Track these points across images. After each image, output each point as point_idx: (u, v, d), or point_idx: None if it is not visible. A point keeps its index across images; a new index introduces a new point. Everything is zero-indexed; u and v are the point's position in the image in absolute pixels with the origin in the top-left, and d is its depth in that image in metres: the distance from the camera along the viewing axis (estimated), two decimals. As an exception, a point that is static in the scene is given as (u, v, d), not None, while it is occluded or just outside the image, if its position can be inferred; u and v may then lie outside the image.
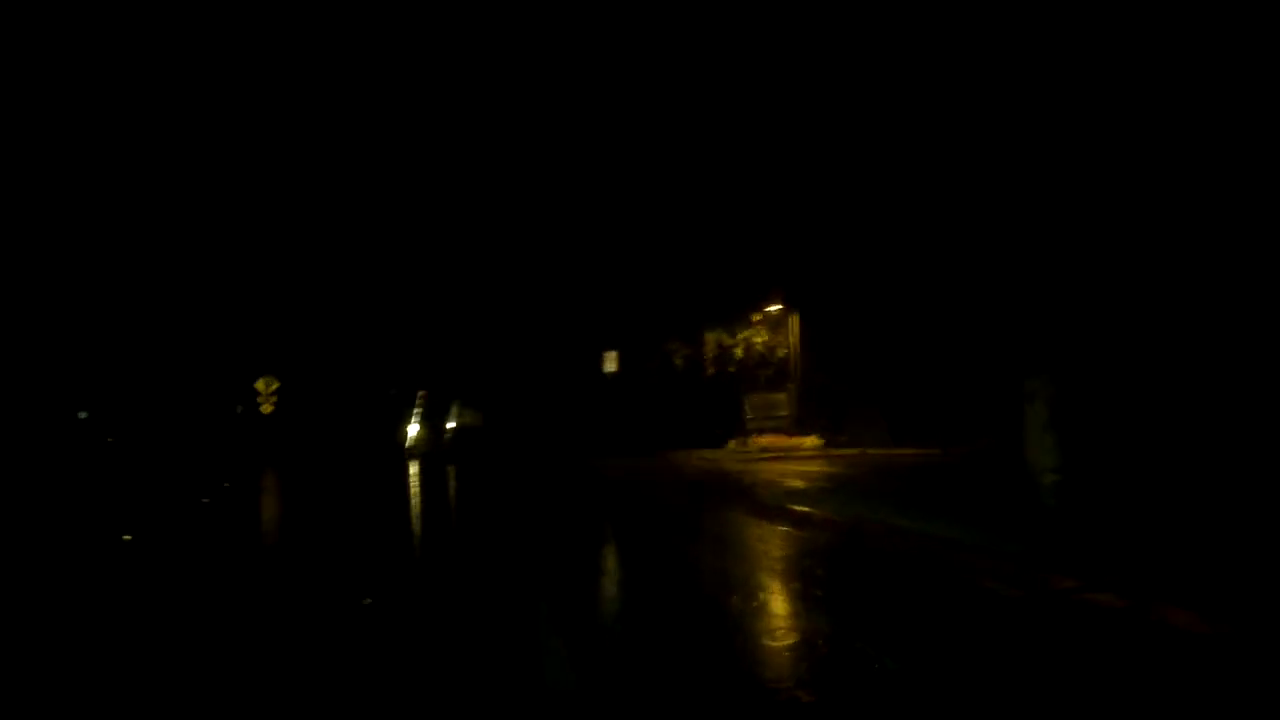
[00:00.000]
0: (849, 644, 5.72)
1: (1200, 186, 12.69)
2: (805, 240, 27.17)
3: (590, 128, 30.02)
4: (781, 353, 29.37)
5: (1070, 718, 4.71)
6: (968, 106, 20.60)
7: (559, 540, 11.16)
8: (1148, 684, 5.16)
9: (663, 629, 6.31)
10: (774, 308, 29.08)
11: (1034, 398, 13.29)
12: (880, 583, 8.18)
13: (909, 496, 12.98)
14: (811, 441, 26.77)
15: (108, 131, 35.76)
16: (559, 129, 31.15)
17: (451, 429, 53.48)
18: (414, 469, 26.67)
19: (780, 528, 11.64)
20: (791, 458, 24.45)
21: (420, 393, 56.11)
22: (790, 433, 27.37)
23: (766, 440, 26.71)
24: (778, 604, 7.18)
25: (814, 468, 20.79)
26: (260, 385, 37.33)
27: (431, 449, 43.27)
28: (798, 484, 16.87)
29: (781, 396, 28.44)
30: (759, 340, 29.76)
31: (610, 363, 25.80)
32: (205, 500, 16.03)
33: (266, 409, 37.05)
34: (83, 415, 46.59)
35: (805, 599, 7.25)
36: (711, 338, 30.07)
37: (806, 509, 12.45)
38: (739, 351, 29.96)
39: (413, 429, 55.43)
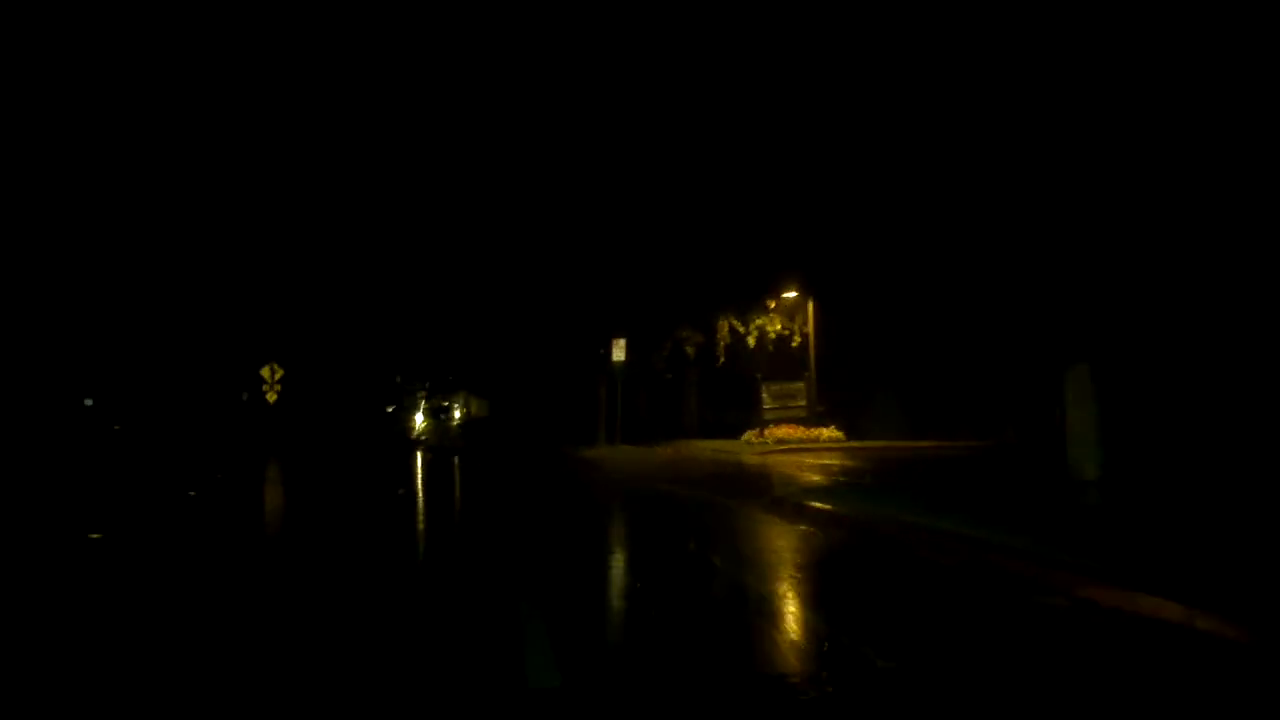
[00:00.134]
0: (881, 669, 4.80)
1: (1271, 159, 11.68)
2: (823, 223, 26.14)
3: (598, 106, 29.07)
4: (797, 341, 28.39)
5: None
6: (995, 83, 19.58)
7: (560, 541, 10.27)
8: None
9: (662, 645, 5.43)
10: (790, 294, 28.09)
11: (1073, 389, 12.36)
12: (915, 594, 7.25)
13: (940, 494, 12.04)
14: (829, 433, 25.87)
15: (115, 122, 35.10)
16: (566, 109, 30.23)
17: (458, 419, 52.98)
18: (418, 461, 25.91)
19: (801, 528, 10.74)
20: (810, 450, 23.58)
21: (426, 382, 55.63)
22: (807, 424, 26.47)
23: (783, 431, 25.81)
24: (797, 617, 6.27)
25: (835, 461, 19.91)
26: (265, 373, 36.72)
27: (437, 439, 42.65)
28: (818, 479, 15.99)
29: (799, 386, 27.51)
30: (773, 327, 28.79)
31: (619, 351, 24.85)
32: (191, 494, 15.21)
33: (271, 397, 36.45)
34: (88, 402, 46.18)
35: (830, 612, 6.34)
36: (724, 324, 29.12)
37: (830, 507, 11.53)
38: (752, 339, 29.01)
39: (418, 419, 54.98)
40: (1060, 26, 16.73)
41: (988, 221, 19.79)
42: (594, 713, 4.41)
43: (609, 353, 25.93)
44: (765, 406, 27.41)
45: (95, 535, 9.70)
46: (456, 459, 26.77)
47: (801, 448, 24.04)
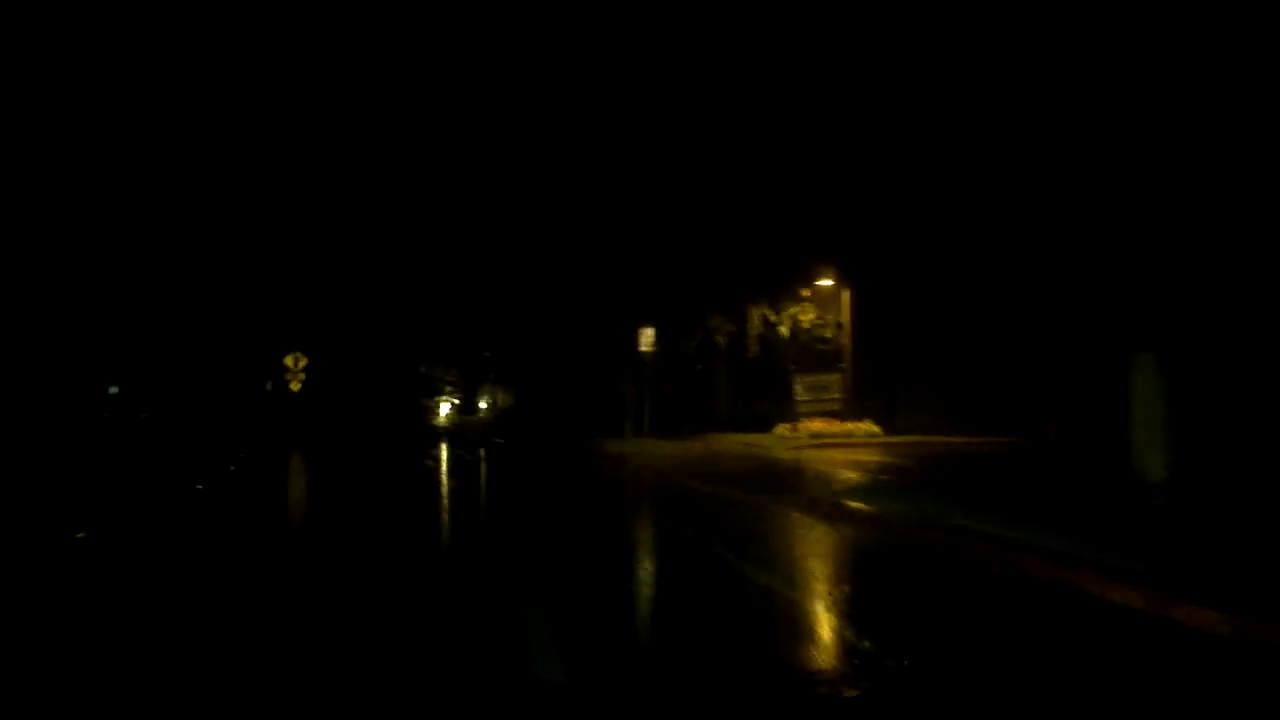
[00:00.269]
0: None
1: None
2: (860, 209, 25.08)
3: (628, 88, 28.19)
4: (830, 332, 27.37)
5: None
6: (1041, 59, 18.50)
7: (577, 546, 9.49)
8: None
9: (673, 666, 4.63)
10: (825, 282, 27.07)
11: (1140, 381, 11.36)
12: (967, 605, 6.40)
13: (985, 494, 11.14)
14: (865, 427, 24.90)
15: (143, 111, 34.75)
16: (595, 93, 29.37)
17: (483, 409, 52.37)
18: (438, 455, 25.26)
19: (840, 531, 9.90)
20: (845, 445, 22.67)
21: (451, 372, 55.07)
22: (842, 417, 25.49)
23: (817, 425, 24.87)
24: (841, 641, 5.43)
25: (873, 457, 19.02)
26: (289, 361, 36.32)
27: (462, 430, 42.11)
28: (856, 476, 15.12)
29: (834, 378, 26.51)
30: (807, 317, 27.78)
31: (646, 340, 23.95)
32: (199, 487, 14.57)
33: (295, 386, 36.04)
34: (113, 390, 46.14)
35: (874, 625, 5.50)
36: (756, 314, 28.16)
37: (869, 508, 10.69)
38: (785, 329, 28.03)
39: (443, 408, 54.44)
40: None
41: (1035, 201, 18.70)
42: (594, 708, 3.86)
43: (636, 342, 25.06)
44: (798, 399, 26.46)
45: (80, 535, 9.03)
46: (480, 452, 26.10)
47: (836, 442, 23.12)
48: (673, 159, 27.55)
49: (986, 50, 20.62)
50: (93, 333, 40.89)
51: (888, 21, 23.11)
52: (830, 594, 7.04)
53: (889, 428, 25.16)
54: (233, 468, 18.30)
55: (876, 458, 18.83)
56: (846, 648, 5.40)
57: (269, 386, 40.88)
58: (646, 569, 8.36)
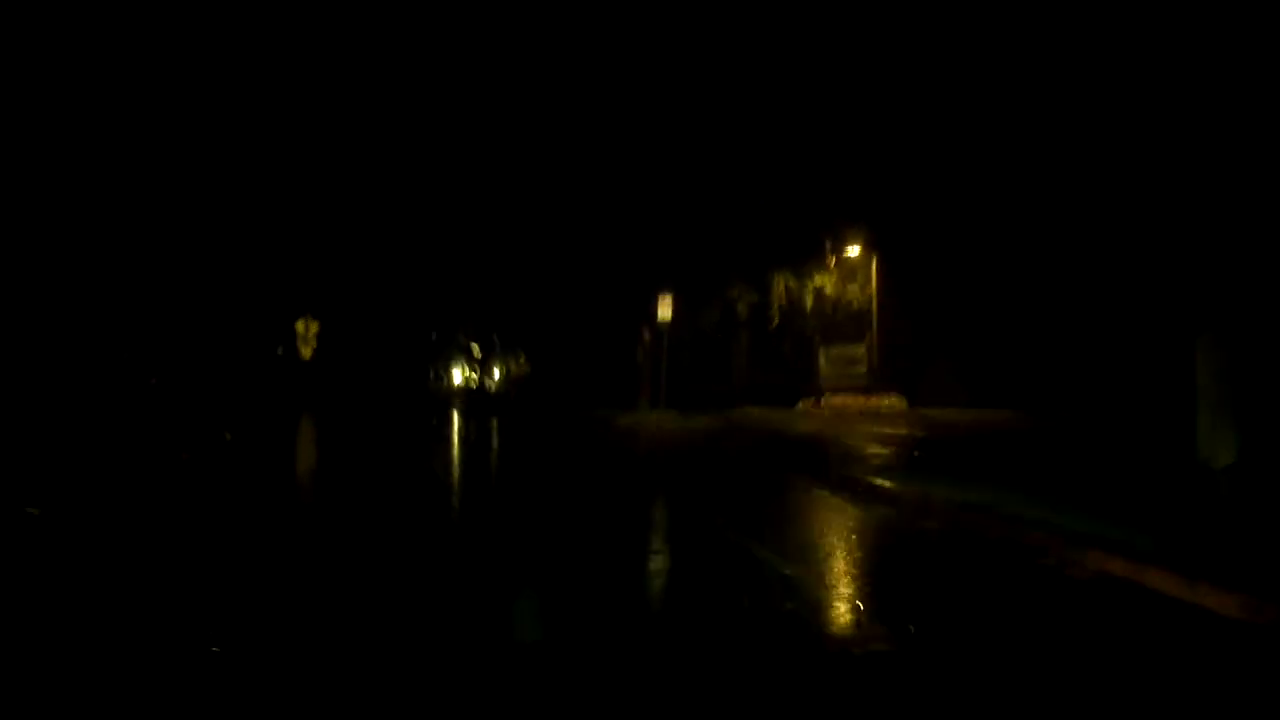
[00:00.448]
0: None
1: None
2: (890, 175, 23.90)
3: (649, 52, 27.06)
4: (857, 303, 26.25)
5: None
6: (1093, 19, 17.28)
7: (580, 529, 8.60)
8: None
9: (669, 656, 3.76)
10: (852, 250, 25.92)
11: (1206, 359, 10.30)
12: (1030, 606, 5.44)
13: (1025, 476, 10.18)
14: (891, 401, 23.88)
15: (158, 74, 34.12)
16: (613, 56, 28.27)
17: (496, 378, 51.56)
18: (451, 423, 24.44)
19: (870, 511, 8.96)
20: (870, 418, 21.68)
21: (464, 339, 54.25)
22: (868, 390, 24.47)
23: (840, 399, 23.88)
24: (863, 628, 4.48)
25: (900, 430, 18.03)
26: (300, 327, 35.65)
27: (473, 399, 41.39)
28: (884, 452, 14.13)
29: (860, 350, 25.44)
30: (832, 287, 26.69)
31: (665, 308, 22.91)
32: (185, 457, 13.75)
33: (306, 352, 35.36)
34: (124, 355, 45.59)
35: (909, 616, 4.57)
36: (780, 282, 27.07)
37: (900, 487, 9.73)
38: (809, 299, 26.97)
39: (455, 377, 53.67)
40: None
41: (1083, 166, 17.50)
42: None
43: (654, 310, 24.06)
44: (822, 372, 25.44)
45: (33, 510, 8.21)
46: (491, 421, 25.28)
47: (862, 415, 22.12)
48: (695, 121, 26.47)
49: (1034, 6, 19.41)
50: (106, 297, 40.33)
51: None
52: (865, 578, 6.08)
53: (916, 402, 24.12)
54: (228, 436, 17.43)
55: (905, 431, 17.85)
56: (872, 638, 4.44)
57: (280, 352, 40.25)
58: (653, 555, 7.44)
